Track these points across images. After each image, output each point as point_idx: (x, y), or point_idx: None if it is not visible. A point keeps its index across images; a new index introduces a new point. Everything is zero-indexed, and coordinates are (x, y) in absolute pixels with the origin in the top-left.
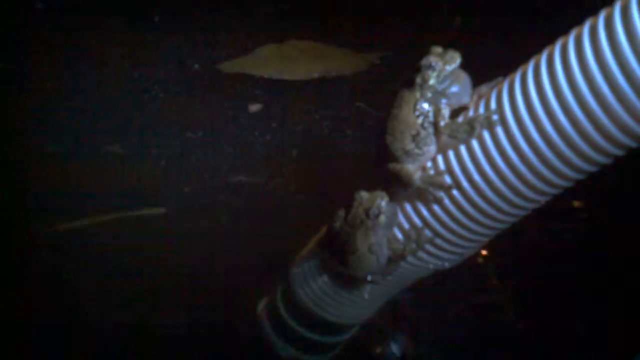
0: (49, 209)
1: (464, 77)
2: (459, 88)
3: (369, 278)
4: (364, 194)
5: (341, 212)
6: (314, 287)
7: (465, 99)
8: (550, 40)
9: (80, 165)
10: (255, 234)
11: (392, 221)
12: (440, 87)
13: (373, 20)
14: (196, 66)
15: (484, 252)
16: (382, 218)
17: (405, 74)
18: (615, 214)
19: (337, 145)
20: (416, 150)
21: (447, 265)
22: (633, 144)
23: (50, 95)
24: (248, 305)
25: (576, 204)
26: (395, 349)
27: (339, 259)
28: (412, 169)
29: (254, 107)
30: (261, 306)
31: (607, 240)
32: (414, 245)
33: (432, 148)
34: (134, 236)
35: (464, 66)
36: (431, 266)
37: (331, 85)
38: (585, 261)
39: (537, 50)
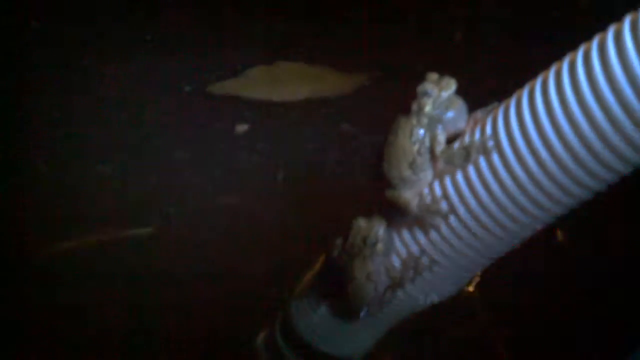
0: (40, 230)
1: (460, 103)
2: (455, 114)
3: (366, 309)
4: (362, 222)
5: (338, 241)
6: (313, 319)
7: (461, 125)
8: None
9: (71, 186)
10: (244, 256)
11: (390, 249)
12: (436, 114)
13: (363, 41)
14: (187, 88)
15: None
16: (380, 246)
17: (394, 95)
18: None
19: (323, 166)
20: (413, 177)
21: (447, 294)
22: (628, 170)
23: (41, 115)
24: (238, 331)
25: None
26: None
27: (337, 288)
28: (409, 196)
29: (241, 128)
30: (260, 338)
31: (605, 272)
32: (411, 273)
33: (428, 174)
34: (122, 257)
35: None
36: (429, 296)
37: (318, 107)
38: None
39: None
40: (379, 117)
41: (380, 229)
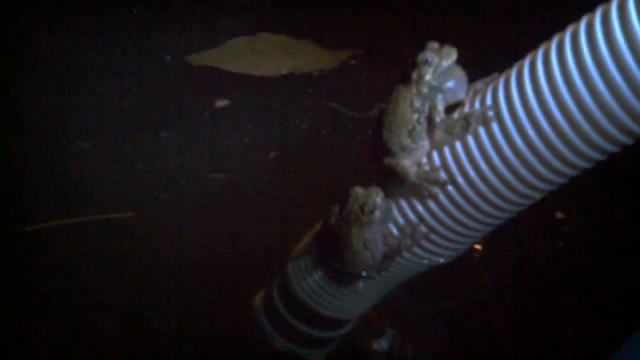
0: (19, 208)
1: (460, 73)
2: (455, 83)
3: (364, 273)
4: (359, 190)
5: (336, 208)
6: (310, 282)
7: (461, 95)
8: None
9: (52, 164)
10: (237, 232)
11: (387, 217)
12: (436, 83)
13: (349, 18)
14: (168, 58)
15: (479, 248)
16: (377, 214)
17: (381, 72)
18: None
19: (314, 142)
20: (412, 145)
21: (442, 260)
22: (627, 141)
23: (25, 90)
24: (236, 304)
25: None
26: (383, 344)
27: (334, 254)
28: (407, 164)
29: (221, 103)
30: (258, 300)
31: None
32: (409, 241)
33: (426, 143)
34: (106, 237)
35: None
36: (426, 262)
37: (303, 85)
38: (579, 266)
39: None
40: (364, 95)
41: (378, 196)
